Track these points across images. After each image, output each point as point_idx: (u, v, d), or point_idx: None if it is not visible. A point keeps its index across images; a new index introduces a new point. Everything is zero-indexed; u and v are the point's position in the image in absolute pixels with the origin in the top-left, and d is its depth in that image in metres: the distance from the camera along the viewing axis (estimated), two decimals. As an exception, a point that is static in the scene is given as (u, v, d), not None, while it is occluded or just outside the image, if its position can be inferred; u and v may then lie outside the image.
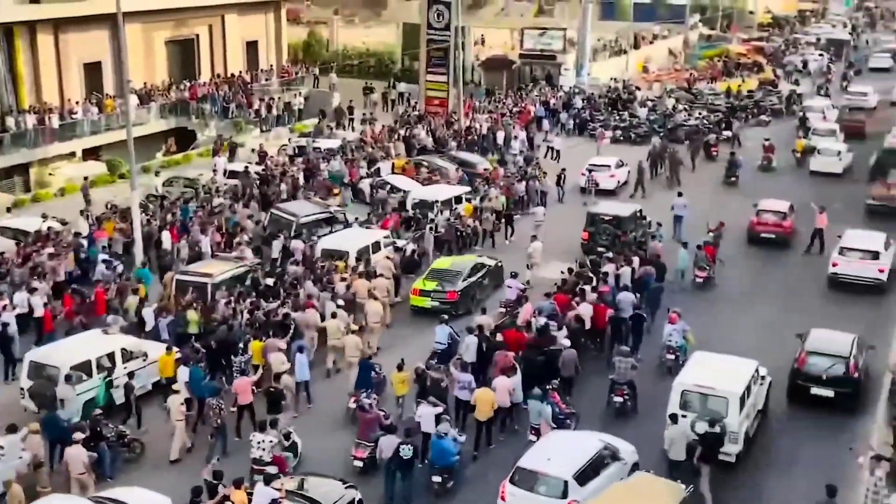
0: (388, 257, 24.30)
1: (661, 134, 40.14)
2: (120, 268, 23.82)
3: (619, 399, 18.19)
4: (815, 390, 18.21)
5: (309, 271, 23.10)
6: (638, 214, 27.56)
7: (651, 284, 22.72)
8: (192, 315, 20.34)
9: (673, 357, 19.86)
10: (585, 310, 20.60)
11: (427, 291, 23.14)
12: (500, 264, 24.98)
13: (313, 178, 32.58)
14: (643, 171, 33.30)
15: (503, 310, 21.67)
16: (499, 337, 19.31)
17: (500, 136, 39.56)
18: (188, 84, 44.26)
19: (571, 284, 22.39)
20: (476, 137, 39.34)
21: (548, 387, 17.14)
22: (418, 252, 25.90)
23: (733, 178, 34.65)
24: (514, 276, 23.24)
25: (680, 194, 29.94)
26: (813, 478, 15.64)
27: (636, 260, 23.86)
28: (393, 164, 34.16)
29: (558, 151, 37.14)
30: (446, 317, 20.58)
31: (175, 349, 18.79)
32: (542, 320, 19.73)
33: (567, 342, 18.86)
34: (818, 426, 17.77)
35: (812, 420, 17.98)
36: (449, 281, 23.17)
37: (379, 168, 33.85)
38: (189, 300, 20.87)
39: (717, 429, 15.64)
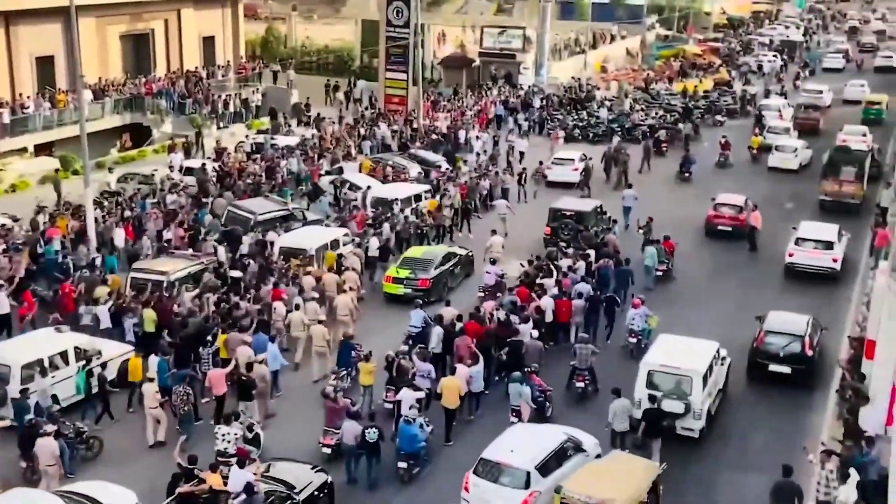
0: (354, 253, 24.71)
1: (619, 133, 41.14)
2: (97, 260, 23.96)
3: (580, 385, 19.00)
4: (772, 367, 19.37)
5: (266, 269, 23.35)
6: (599, 210, 28.44)
7: (608, 276, 23.53)
8: (149, 313, 20.47)
9: (635, 340, 20.73)
10: (547, 303, 21.28)
11: (400, 279, 23.87)
12: (470, 254, 25.94)
13: (272, 175, 32.81)
14: (589, 171, 34.33)
15: (482, 294, 22.46)
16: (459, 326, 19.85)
17: (463, 135, 40.11)
18: (143, 79, 44.11)
19: (532, 277, 23.08)
20: (439, 137, 39.91)
21: (527, 369, 17.96)
22: (386, 243, 26.36)
23: (687, 174, 35.80)
24: (493, 262, 24.10)
25: (630, 186, 30.50)
26: (771, 451, 16.69)
27: (592, 253, 24.72)
28: (361, 164, 34.56)
29: (522, 153, 37.88)
30: (421, 301, 21.42)
31: (138, 350, 19.08)
32: (503, 313, 20.31)
33: (535, 333, 19.59)
34: (775, 402, 18.92)
35: (769, 396, 19.20)
36: (422, 269, 23.93)
37: (341, 167, 34.31)
38: (146, 298, 21.03)
39: (658, 406, 16.63)
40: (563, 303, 21.33)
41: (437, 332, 19.45)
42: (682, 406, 16.88)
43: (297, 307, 20.61)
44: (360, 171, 33.61)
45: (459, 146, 39.55)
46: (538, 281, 22.65)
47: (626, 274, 23.74)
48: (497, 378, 19.41)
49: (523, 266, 23.81)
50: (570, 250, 24.79)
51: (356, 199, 30.19)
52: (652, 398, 16.72)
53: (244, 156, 35.59)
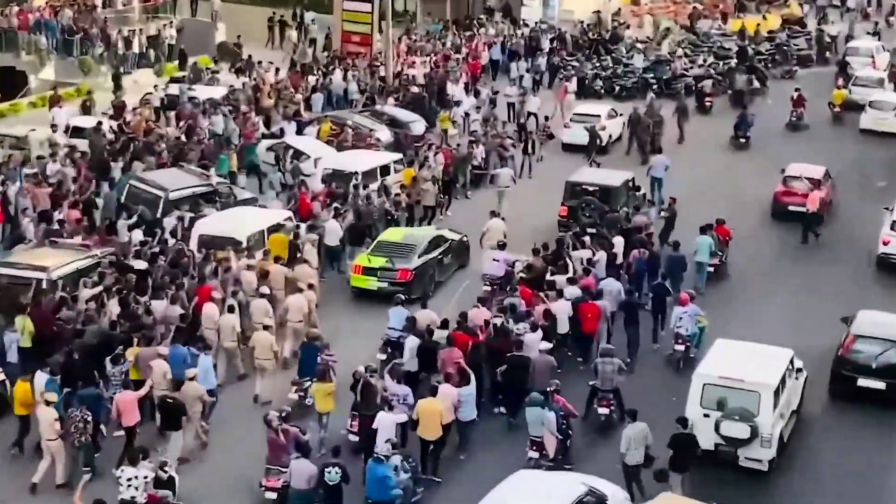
0: (311, 243, 24.74)
1: (655, 87, 41.33)
2: None
3: (603, 411, 19.11)
4: (862, 381, 19.64)
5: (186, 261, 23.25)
6: (630, 184, 28.57)
7: (643, 271, 23.66)
8: (24, 322, 20.12)
9: (683, 348, 21.09)
10: (561, 308, 21.31)
11: (373, 269, 24.08)
12: (465, 239, 26.40)
13: (190, 138, 32.66)
14: (596, 137, 34.43)
15: (488, 288, 22.77)
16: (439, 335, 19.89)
17: (453, 88, 40.28)
18: (16, 7, 43.67)
19: (539, 271, 23.06)
20: (419, 90, 39.93)
21: (549, 388, 18.06)
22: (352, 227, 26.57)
23: (743, 139, 36.00)
24: (502, 246, 24.38)
25: (659, 150, 30.82)
26: (860, 489, 17.25)
27: (620, 242, 24.75)
28: (319, 127, 34.41)
29: (532, 113, 37.68)
30: (402, 296, 21.75)
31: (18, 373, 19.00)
32: (501, 319, 20.33)
33: (546, 345, 19.69)
34: (865, 426, 19.23)
35: (858, 419, 19.52)
36: (401, 256, 24.15)
37: (281, 128, 34.25)
38: (20, 303, 20.66)
39: (690, 428, 16.93)
40: (588, 307, 21.37)
41: (409, 344, 19.60)
42: (747, 430, 17.09)
43: (232, 309, 20.70)
44: (317, 136, 33.59)
45: (445, 102, 39.67)
46: (549, 278, 22.70)
47: (679, 263, 24.02)
48: (497, 405, 19.58)
49: (526, 259, 23.93)
50: (587, 238, 25.00)
51: (309, 172, 30.15)
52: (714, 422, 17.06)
53: (152, 112, 35.36)
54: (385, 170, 30.18)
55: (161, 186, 27.06)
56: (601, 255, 23.92)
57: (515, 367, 19.17)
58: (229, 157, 30.86)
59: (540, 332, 20.07)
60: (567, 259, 23.57)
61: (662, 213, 27.56)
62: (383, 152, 32.39)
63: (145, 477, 15.59)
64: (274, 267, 22.77)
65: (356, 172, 29.31)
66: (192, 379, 18.04)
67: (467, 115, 37.83)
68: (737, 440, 17.23)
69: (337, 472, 15.63)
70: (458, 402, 17.87)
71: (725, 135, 36.46)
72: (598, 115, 35.75)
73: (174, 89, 38.04)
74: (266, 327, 20.28)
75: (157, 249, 23.73)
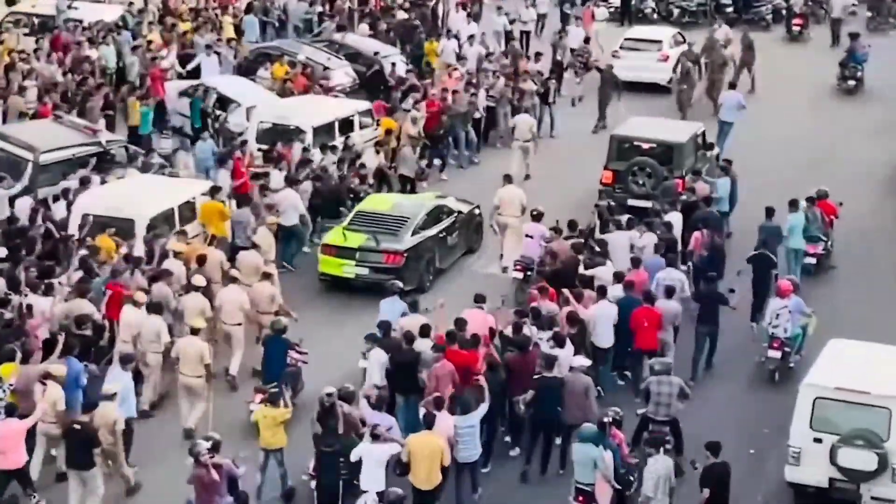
0: (268, 225, 25.14)
1: (730, 10, 42.74)
2: None
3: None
4: None
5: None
6: (700, 140, 29.21)
7: (715, 258, 24.34)
8: None
9: (779, 354, 21.89)
10: (604, 313, 21.61)
11: (349, 250, 24.86)
12: (477, 212, 27.19)
13: (71, 75, 33.16)
14: (615, 87, 35.00)
15: (519, 274, 23.59)
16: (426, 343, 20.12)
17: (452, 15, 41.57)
18: None
19: (569, 261, 23.24)
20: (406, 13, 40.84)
21: (605, 419, 18.16)
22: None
23: (853, 81, 37.12)
24: (537, 217, 25.18)
25: (733, 86, 32.04)
26: None
27: (676, 217, 25.39)
28: (272, 68, 34.82)
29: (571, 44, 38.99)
30: (400, 284, 22.25)
31: None
32: (530, 330, 20.51)
33: (582, 362, 19.89)
34: None
35: None
36: (388, 232, 24.96)
37: (200, 65, 34.94)
38: None
39: (712, 458, 17.19)
40: (644, 313, 21.65)
41: (374, 357, 19.99)
42: (874, 459, 17.61)
43: (158, 308, 21.20)
44: (271, 78, 34.21)
45: (436, 26, 40.85)
46: (583, 272, 23.07)
47: (775, 235, 25.03)
48: (510, 440, 20.26)
49: (544, 244, 24.63)
50: (625, 218, 25.51)
51: (238, 128, 30.85)
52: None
53: (18, 40, 35.71)
54: (346, 125, 30.50)
55: (28, 145, 27.34)
56: (648, 239, 24.35)
57: (546, 394, 19.35)
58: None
59: (570, 347, 20.22)
60: (602, 244, 24.03)
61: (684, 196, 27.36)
62: (344, 100, 32.94)
63: None
64: (210, 252, 23.31)
65: (301, 129, 29.59)
66: (112, 396, 18.32)
67: (458, 50, 38.53)
68: (860, 473, 17.60)
69: None
70: (454, 435, 17.98)
71: (828, 74, 37.49)
72: (659, 41, 36.85)
73: (48, 8, 38.36)
74: (195, 331, 20.58)
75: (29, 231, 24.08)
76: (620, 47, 37.40)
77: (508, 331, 20.89)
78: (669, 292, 22.19)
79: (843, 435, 17.89)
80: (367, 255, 24.83)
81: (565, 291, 21.95)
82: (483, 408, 18.48)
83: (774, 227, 25.24)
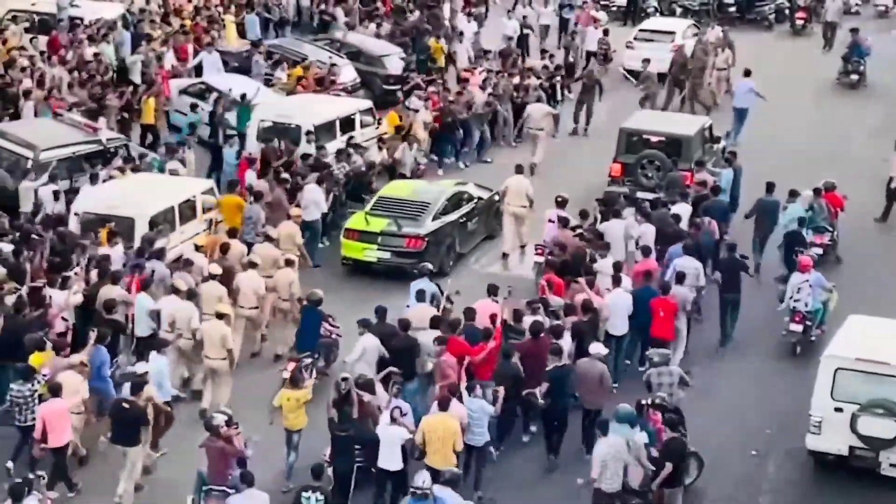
0: (294, 218, 25.21)
1: (733, 9, 43.12)
2: None
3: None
4: None
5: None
6: (707, 134, 29.38)
7: (710, 247, 24.34)
8: None
9: (801, 328, 22.20)
10: (620, 301, 21.71)
11: (371, 234, 25.41)
12: (495, 198, 27.78)
13: (72, 73, 32.88)
14: (600, 91, 35.09)
15: (540, 259, 23.96)
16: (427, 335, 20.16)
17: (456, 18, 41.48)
18: None
19: (577, 252, 23.27)
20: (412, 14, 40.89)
21: (644, 402, 18.36)
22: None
23: (855, 74, 37.20)
24: (562, 203, 25.27)
25: (748, 73, 32.23)
26: None
27: (685, 209, 25.32)
28: (288, 72, 34.74)
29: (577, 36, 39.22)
30: (430, 266, 22.70)
31: None
32: (532, 319, 20.32)
33: (599, 349, 19.87)
34: None
35: None
36: (410, 217, 25.51)
37: (202, 62, 34.90)
38: None
39: (669, 432, 17.28)
40: (661, 303, 21.71)
41: (368, 344, 19.90)
42: (894, 427, 18.14)
43: (176, 290, 21.39)
44: (287, 78, 34.16)
45: (439, 25, 40.58)
46: (595, 264, 23.04)
47: (772, 207, 25.64)
48: (527, 431, 20.35)
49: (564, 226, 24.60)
50: (626, 211, 25.55)
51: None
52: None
53: (21, 37, 35.66)
54: (348, 123, 30.43)
55: (28, 143, 27.34)
56: (645, 230, 24.37)
57: (557, 385, 19.29)
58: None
59: (569, 339, 20.25)
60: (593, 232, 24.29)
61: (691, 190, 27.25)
62: (346, 98, 32.98)
63: None
64: (234, 242, 23.52)
65: (306, 128, 29.37)
66: (143, 375, 18.70)
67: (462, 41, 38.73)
68: (880, 441, 18.11)
69: (318, 500, 16.02)
70: (465, 419, 18.02)
71: (831, 70, 37.62)
72: (672, 33, 37.13)
73: (48, 5, 37.93)
74: (220, 315, 20.78)
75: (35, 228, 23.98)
76: (634, 38, 37.93)
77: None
78: (680, 278, 22.21)
79: (864, 404, 18.44)
80: (388, 240, 25.40)
81: (580, 280, 22.00)
82: (483, 395, 18.51)
83: (774, 201, 25.85)
